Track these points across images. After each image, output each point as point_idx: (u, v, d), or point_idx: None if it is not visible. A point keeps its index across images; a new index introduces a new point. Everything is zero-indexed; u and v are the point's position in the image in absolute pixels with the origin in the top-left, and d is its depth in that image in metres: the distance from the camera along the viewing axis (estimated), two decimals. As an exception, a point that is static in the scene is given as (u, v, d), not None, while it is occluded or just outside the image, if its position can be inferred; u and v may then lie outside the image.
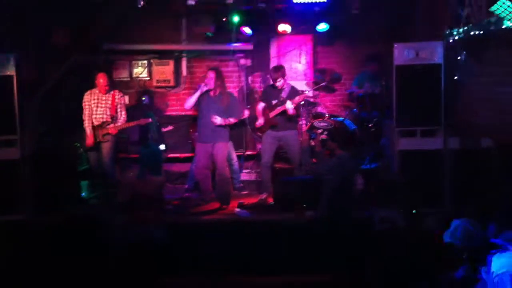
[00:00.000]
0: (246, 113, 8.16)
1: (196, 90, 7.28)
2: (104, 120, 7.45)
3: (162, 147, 8.49)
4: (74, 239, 4.48)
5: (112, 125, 7.45)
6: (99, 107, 7.47)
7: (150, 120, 7.75)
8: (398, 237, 5.42)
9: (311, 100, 8.50)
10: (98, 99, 7.49)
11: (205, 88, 7.07)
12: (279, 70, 7.45)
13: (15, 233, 5.86)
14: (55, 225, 4.98)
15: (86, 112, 7.49)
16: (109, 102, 7.50)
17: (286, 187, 7.11)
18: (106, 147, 7.46)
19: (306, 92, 7.71)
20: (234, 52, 9.32)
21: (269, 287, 5.28)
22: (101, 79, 7.46)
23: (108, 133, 7.43)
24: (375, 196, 6.79)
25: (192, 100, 7.17)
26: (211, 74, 7.14)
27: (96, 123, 7.46)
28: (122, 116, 7.55)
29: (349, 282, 4.84)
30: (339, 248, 5.44)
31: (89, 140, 7.42)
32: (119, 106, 7.54)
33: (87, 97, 7.52)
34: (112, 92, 7.55)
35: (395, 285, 4.19)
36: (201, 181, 7.36)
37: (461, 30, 7.06)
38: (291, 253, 5.75)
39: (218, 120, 7.03)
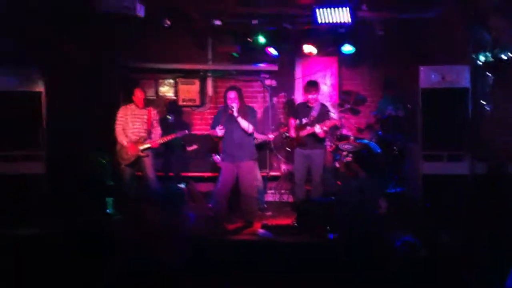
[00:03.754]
0: (271, 136, 8.18)
1: (219, 112, 7.29)
2: (141, 135, 7.49)
3: (181, 185, 8.30)
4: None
5: (150, 139, 7.47)
6: (136, 122, 7.53)
7: (186, 132, 7.77)
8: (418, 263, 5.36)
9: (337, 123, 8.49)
10: (135, 114, 7.55)
11: (233, 112, 6.98)
12: (314, 84, 7.55)
13: (30, 247, 5.86)
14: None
15: (119, 127, 7.53)
16: (145, 117, 7.56)
17: (310, 208, 7.07)
18: (147, 162, 7.49)
19: (333, 114, 7.70)
20: (259, 72, 9.37)
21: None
22: (139, 94, 7.55)
23: (149, 148, 7.46)
24: (397, 221, 6.71)
25: (220, 129, 7.02)
26: (232, 94, 7.06)
27: (133, 137, 7.49)
28: (158, 131, 7.61)
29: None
30: (360, 271, 5.38)
31: (131, 150, 7.43)
32: (154, 121, 7.62)
33: (122, 112, 7.58)
34: (148, 108, 7.63)
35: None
36: (220, 201, 7.24)
37: (488, 53, 7.01)
38: (311, 276, 5.68)
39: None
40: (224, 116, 7.11)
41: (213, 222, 7.20)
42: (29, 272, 4.86)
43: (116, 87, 8.44)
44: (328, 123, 7.25)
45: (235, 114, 6.94)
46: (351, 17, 7.52)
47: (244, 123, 7.00)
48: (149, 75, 9.54)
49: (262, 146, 8.36)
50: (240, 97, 7.13)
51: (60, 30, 7.73)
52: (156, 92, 9.59)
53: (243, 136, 7.07)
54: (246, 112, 7.12)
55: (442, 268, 5.27)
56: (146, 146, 7.47)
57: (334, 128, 8.08)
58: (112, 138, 7.64)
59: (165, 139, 7.58)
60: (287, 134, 7.86)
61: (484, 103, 7.07)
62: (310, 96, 7.45)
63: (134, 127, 7.54)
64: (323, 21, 7.63)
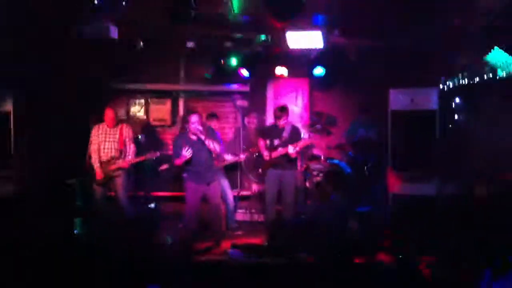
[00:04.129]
0: (242, 157, 8.20)
1: (179, 138, 7.14)
2: (113, 154, 7.42)
3: (152, 205, 8.27)
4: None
5: (121, 160, 7.40)
6: (107, 141, 7.45)
7: (158, 154, 7.68)
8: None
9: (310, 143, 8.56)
10: (106, 133, 7.46)
11: (195, 138, 6.94)
12: (284, 110, 7.55)
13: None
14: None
15: (93, 146, 7.45)
16: (117, 136, 7.47)
17: (281, 228, 7.06)
18: (119, 181, 7.40)
19: (304, 135, 7.75)
20: (231, 93, 9.43)
21: None
22: (109, 113, 7.47)
23: (120, 168, 7.39)
24: (368, 239, 6.75)
25: (182, 159, 6.91)
26: (195, 118, 6.94)
27: (104, 157, 7.42)
28: (131, 149, 7.51)
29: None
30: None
31: (98, 175, 7.35)
32: (127, 140, 7.52)
33: (94, 131, 7.50)
34: (119, 126, 7.55)
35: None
36: (190, 221, 7.16)
37: (456, 78, 7.18)
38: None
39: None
40: (185, 139, 7.03)
41: (183, 242, 7.15)
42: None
43: (87, 107, 8.37)
44: (302, 143, 7.31)
45: (202, 137, 6.92)
46: (323, 42, 7.62)
47: (212, 145, 6.98)
48: (121, 95, 9.51)
49: (233, 166, 8.36)
50: (202, 118, 7.16)
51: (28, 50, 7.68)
52: (127, 112, 9.56)
53: (209, 157, 7.05)
54: (210, 133, 7.14)
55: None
56: (116, 166, 7.40)
57: (306, 148, 8.14)
58: (82, 159, 7.56)
59: (136, 160, 7.53)
60: (258, 154, 7.88)
61: (451, 126, 7.22)
62: (280, 122, 7.49)
63: (105, 147, 7.46)
64: (294, 46, 7.72)
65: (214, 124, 8.08)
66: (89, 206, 7.64)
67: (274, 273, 6.05)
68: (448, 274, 5.43)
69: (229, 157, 7.95)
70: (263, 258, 6.76)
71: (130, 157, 7.46)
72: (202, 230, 7.30)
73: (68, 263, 5.32)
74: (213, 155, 7.10)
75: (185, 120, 7.14)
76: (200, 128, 6.94)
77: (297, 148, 7.29)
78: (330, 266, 6.01)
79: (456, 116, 7.34)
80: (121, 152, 7.45)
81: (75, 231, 7.46)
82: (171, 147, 9.27)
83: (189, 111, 7.34)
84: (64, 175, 7.84)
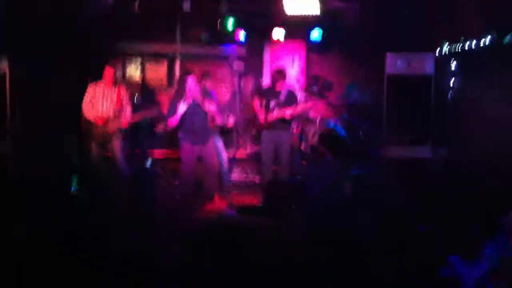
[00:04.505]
0: (231, 120, 8.17)
1: (174, 99, 7.04)
2: (110, 114, 7.29)
3: (148, 163, 8.29)
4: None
5: (119, 118, 7.28)
6: (105, 101, 7.29)
7: (155, 112, 7.62)
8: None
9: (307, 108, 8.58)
10: (103, 92, 7.30)
11: (190, 100, 6.89)
12: (282, 73, 7.54)
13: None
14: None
15: (88, 105, 7.26)
16: (114, 96, 7.32)
17: (276, 189, 7.14)
18: (116, 141, 7.29)
19: (300, 98, 7.77)
20: (228, 56, 9.41)
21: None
22: (109, 72, 7.31)
23: (117, 128, 7.28)
24: (361, 203, 6.84)
25: (178, 118, 6.92)
26: (191, 79, 6.94)
27: (101, 117, 7.26)
28: (128, 110, 7.39)
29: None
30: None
31: (96, 134, 7.23)
32: (124, 100, 7.38)
33: (91, 89, 7.30)
34: (117, 86, 7.41)
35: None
36: (186, 180, 7.22)
37: (454, 43, 7.19)
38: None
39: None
40: (181, 100, 6.96)
41: (179, 201, 7.24)
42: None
43: (85, 65, 8.33)
44: (299, 108, 7.33)
45: (199, 98, 6.93)
46: (319, 8, 7.57)
47: (209, 106, 7.00)
48: (117, 56, 9.44)
49: (228, 128, 8.39)
50: (199, 80, 7.14)
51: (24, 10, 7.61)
52: (124, 73, 9.53)
53: (204, 118, 7.05)
54: (205, 93, 7.14)
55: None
56: (114, 125, 7.38)
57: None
58: (79, 117, 7.53)
59: (134, 118, 7.46)
60: (254, 115, 7.89)
61: (448, 90, 7.26)
62: (277, 85, 7.49)
63: (103, 106, 7.31)
64: (291, 12, 7.66)
65: (208, 83, 8.04)
66: (85, 164, 7.64)
67: (268, 233, 6.16)
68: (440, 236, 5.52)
69: (219, 121, 7.93)
70: (258, 218, 6.87)
71: (126, 116, 7.38)
72: (197, 190, 7.37)
73: (67, 220, 5.41)
74: (208, 116, 7.13)
75: (182, 81, 7.07)
76: (196, 89, 6.95)
77: (295, 114, 7.32)
78: (324, 228, 6.12)
79: (452, 82, 7.37)
80: (118, 112, 7.38)
81: (72, 189, 7.51)
82: (167, 107, 9.36)
83: (185, 72, 7.25)
84: (60, 132, 7.83)
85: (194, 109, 6.98)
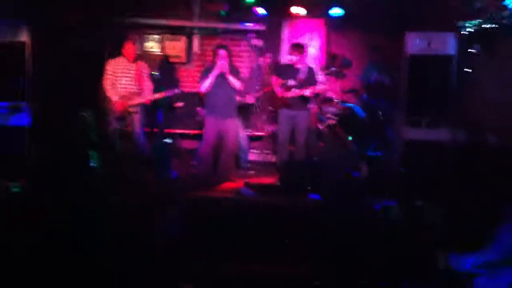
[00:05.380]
0: (250, 98, 8.17)
1: (207, 69, 7.25)
2: (131, 90, 7.31)
3: (168, 140, 8.31)
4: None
5: (140, 94, 7.30)
6: (126, 77, 7.30)
7: (178, 91, 7.60)
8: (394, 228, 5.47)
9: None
10: (124, 68, 7.31)
11: (218, 72, 7.02)
12: (300, 47, 7.49)
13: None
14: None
15: (109, 82, 7.28)
16: (134, 71, 7.32)
17: (292, 169, 7.15)
18: (136, 117, 7.32)
19: (320, 77, 7.71)
20: (246, 32, 9.34)
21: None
22: (130, 46, 7.32)
23: (138, 104, 7.30)
24: (377, 185, 6.82)
25: (207, 84, 7.09)
26: (223, 53, 7.09)
27: (122, 92, 7.28)
28: (148, 86, 7.39)
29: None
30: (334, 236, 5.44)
31: (119, 108, 7.23)
32: (144, 76, 7.37)
33: (111, 66, 7.31)
34: (137, 62, 7.41)
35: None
36: (204, 159, 7.33)
37: (474, 22, 7.07)
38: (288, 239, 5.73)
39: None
40: (210, 71, 7.12)
41: (197, 180, 7.27)
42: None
43: (102, 41, 8.31)
44: (318, 88, 7.29)
45: (226, 72, 6.99)
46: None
47: (234, 82, 7.07)
48: (135, 31, 9.42)
49: (246, 107, 8.38)
50: (229, 56, 7.18)
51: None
52: (142, 47, 9.51)
53: (229, 94, 7.16)
54: (234, 70, 7.21)
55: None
56: (136, 101, 7.37)
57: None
58: (98, 93, 7.55)
59: (157, 96, 7.44)
60: (272, 92, 7.86)
61: (468, 71, 7.15)
62: (293, 57, 7.43)
63: (123, 82, 7.33)
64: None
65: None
66: (103, 139, 7.68)
67: (284, 213, 6.18)
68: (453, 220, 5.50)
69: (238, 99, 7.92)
70: (275, 198, 6.89)
71: (146, 93, 7.38)
72: (215, 169, 7.41)
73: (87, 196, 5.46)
74: (232, 93, 7.16)
75: (214, 53, 7.18)
76: (226, 63, 7.02)
77: (314, 93, 7.28)
78: (339, 208, 6.13)
79: (473, 62, 7.25)
80: (139, 88, 7.37)
81: (90, 164, 7.55)
82: (185, 84, 9.36)
83: (218, 46, 7.38)
84: (78, 107, 7.86)
85: (220, 82, 7.08)
